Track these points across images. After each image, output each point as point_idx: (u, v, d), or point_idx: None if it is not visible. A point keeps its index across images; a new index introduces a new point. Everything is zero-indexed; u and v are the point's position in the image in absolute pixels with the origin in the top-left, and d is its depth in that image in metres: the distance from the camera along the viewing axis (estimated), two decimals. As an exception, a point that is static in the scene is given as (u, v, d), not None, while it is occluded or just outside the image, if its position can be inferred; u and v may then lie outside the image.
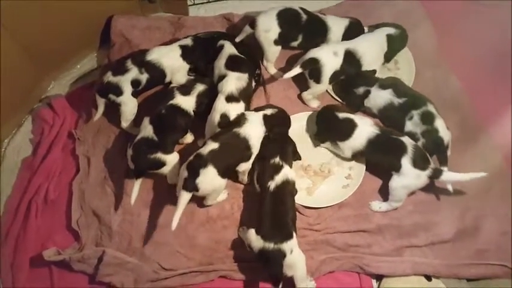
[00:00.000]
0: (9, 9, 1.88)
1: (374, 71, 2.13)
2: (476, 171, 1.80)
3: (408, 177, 1.84)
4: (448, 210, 1.95)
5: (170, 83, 2.09)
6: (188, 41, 2.11)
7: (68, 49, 2.28)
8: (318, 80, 2.06)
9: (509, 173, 2.01)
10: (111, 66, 2.11)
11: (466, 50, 2.31)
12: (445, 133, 1.93)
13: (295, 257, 1.65)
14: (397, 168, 1.85)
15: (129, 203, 1.83)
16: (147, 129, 1.84)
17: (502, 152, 2.05)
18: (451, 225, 1.92)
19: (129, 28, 2.35)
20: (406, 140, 1.87)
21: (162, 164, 1.84)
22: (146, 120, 1.86)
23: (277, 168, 1.78)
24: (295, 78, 2.13)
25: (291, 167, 1.83)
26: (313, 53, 2.04)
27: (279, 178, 1.76)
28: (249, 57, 2.11)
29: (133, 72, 1.98)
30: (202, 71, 2.14)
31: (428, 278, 1.84)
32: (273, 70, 2.25)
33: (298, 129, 2.06)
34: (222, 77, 1.94)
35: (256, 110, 1.90)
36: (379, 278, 1.86)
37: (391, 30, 2.14)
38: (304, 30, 2.14)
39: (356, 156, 1.99)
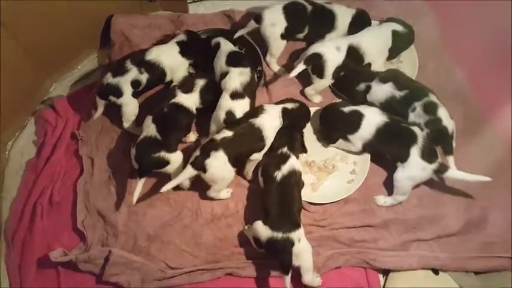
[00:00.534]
0: (9, 9, 1.88)
1: (369, 65, 2.10)
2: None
3: (414, 168, 1.83)
4: (454, 203, 1.95)
5: (171, 82, 2.08)
6: (183, 37, 2.10)
7: (68, 50, 2.27)
8: (321, 75, 2.05)
9: (513, 165, 1.99)
10: (111, 67, 2.11)
11: (469, 41, 2.29)
12: (448, 122, 1.91)
13: (302, 246, 1.67)
14: (405, 158, 1.84)
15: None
16: (150, 129, 1.83)
17: (506, 144, 2.03)
18: (457, 218, 1.92)
19: (129, 27, 2.34)
20: (416, 130, 1.86)
21: (166, 162, 1.83)
22: (149, 120, 1.86)
23: (285, 158, 1.79)
24: (297, 74, 2.12)
25: (297, 158, 1.85)
26: (316, 48, 2.02)
27: (285, 168, 1.77)
28: (250, 52, 2.09)
29: (133, 73, 1.97)
30: (202, 66, 2.13)
31: (436, 271, 1.83)
32: (275, 67, 2.24)
33: (301, 125, 2.05)
34: (225, 74, 1.93)
35: (277, 103, 1.93)
36: (386, 272, 1.86)
37: (397, 27, 2.12)
38: (310, 22, 2.13)
39: (366, 148, 1.97)
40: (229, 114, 1.85)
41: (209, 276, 1.82)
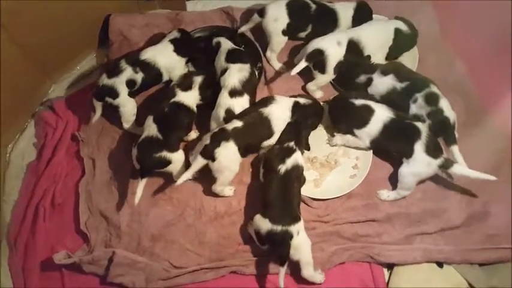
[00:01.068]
0: (8, 10, 1.86)
1: (369, 57, 2.10)
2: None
3: (419, 164, 1.83)
4: (456, 196, 1.95)
5: (171, 81, 2.07)
6: (176, 34, 2.10)
7: (67, 50, 2.26)
8: (322, 71, 2.04)
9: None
10: (107, 67, 2.10)
11: (469, 34, 2.29)
12: (450, 113, 1.92)
13: (301, 240, 1.68)
14: (409, 154, 1.84)
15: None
16: (151, 128, 1.83)
17: (506, 136, 2.03)
18: (460, 211, 1.92)
19: (128, 26, 2.33)
20: (420, 125, 1.86)
21: (168, 162, 1.83)
22: (150, 119, 1.85)
23: (290, 152, 1.80)
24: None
25: (302, 153, 1.85)
26: (317, 43, 2.01)
27: (290, 162, 1.77)
28: (250, 49, 2.08)
29: (127, 73, 1.96)
30: (199, 62, 2.13)
31: (440, 264, 1.83)
32: (275, 63, 2.23)
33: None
34: (224, 71, 1.92)
35: (292, 96, 1.94)
36: (390, 266, 1.86)
37: (402, 26, 2.11)
38: (313, 21, 2.13)
39: (372, 144, 1.96)
40: (229, 112, 1.85)
41: (213, 275, 1.82)
